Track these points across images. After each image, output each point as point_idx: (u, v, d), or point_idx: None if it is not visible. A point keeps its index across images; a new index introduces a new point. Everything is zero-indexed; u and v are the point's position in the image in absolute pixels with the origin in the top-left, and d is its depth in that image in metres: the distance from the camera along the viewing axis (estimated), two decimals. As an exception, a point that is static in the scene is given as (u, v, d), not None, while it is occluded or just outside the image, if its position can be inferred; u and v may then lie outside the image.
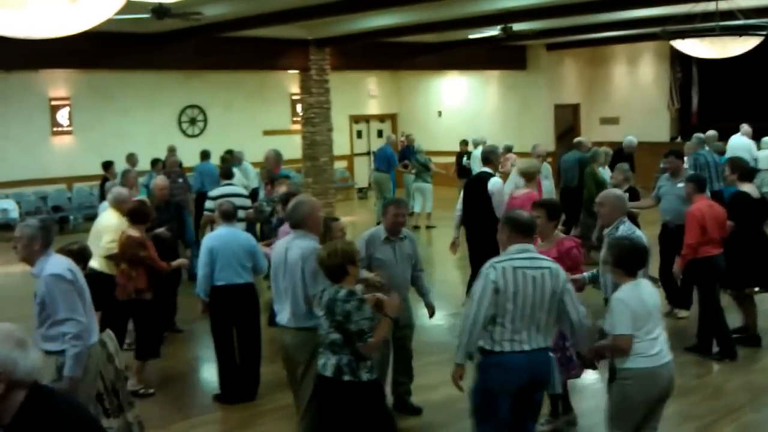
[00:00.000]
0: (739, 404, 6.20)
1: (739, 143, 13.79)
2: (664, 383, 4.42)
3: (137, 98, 17.47)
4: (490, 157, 8.56)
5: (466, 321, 4.37)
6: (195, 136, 18.21)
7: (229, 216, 6.68)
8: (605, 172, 10.86)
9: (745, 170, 7.97)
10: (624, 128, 19.80)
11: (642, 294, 4.41)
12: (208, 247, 6.51)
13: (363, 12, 13.19)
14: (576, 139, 13.38)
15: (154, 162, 13.58)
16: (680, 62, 19.11)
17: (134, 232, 6.69)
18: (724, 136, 13.95)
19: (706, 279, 7.23)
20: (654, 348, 4.35)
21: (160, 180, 9.11)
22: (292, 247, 5.11)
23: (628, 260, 4.48)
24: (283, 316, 5.14)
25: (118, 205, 7.31)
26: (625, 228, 5.33)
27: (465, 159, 16.27)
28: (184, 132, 18.27)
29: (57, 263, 4.70)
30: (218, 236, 6.60)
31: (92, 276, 5.96)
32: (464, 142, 16.67)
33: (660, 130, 19.69)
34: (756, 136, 14.15)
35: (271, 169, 10.35)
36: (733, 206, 7.48)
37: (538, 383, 4.53)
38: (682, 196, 7.69)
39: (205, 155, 13.53)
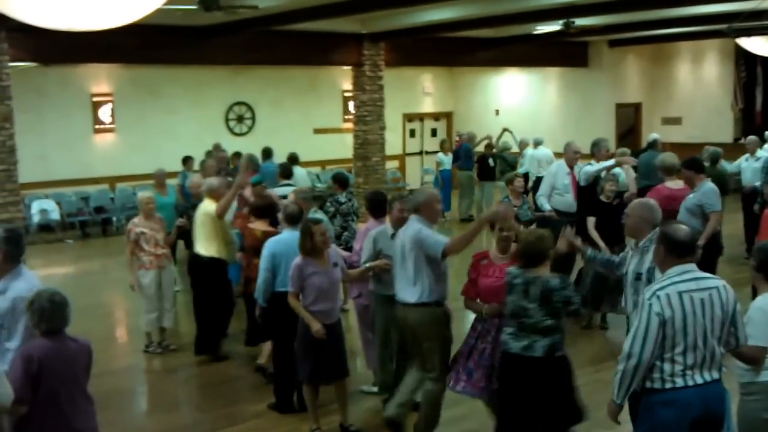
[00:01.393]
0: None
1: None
2: None
3: (182, 95, 17.48)
4: (593, 149, 9.89)
5: (629, 361, 4.01)
6: (243, 135, 18.35)
7: (294, 219, 6.55)
8: None
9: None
10: (686, 128, 19.54)
11: None
12: (271, 252, 6.42)
13: (419, 5, 13.22)
14: (651, 137, 13.21)
15: (186, 160, 13.69)
16: (745, 61, 18.75)
17: (264, 227, 7.15)
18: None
19: None
20: None
21: (196, 178, 9.25)
22: (408, 227, 5.73)
23: None
24: (406, 295, 5.65)
25: (212, 193, 7.89)
26: None
27: (490, 160, 16.13)
28: (231, 130, 18.35)
29: (27, 284, 4.53)
30: (282, 240, 6.48)
31: (206, 261, 7.45)
32: (489, 145, 16.50)
33: (723, 130, 19.31)
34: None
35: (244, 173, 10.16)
36: None
37: (713, 420, 4.11)
38: (690, 209, 7.70)
39: (266, 154, 13.26)
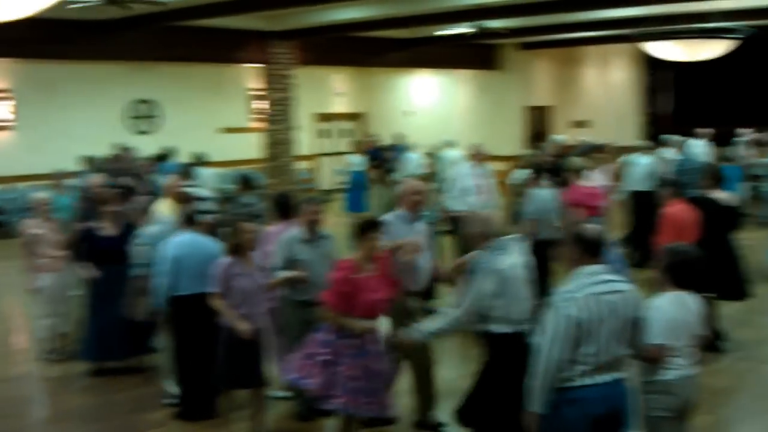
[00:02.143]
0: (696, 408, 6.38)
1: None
2: (685, 396, 4.48)
3: (84, 92, 17.02)
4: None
5: (539, 364, 4.11)
6: (146, 133, 18.06)
7: (193, 221, 6.51)
8: None
9: (717, 176, 8.23)
10: (596, 132, 20.14)
11: (683, 305, 4.45)
12: (172, 255, 6.32)
13: (329, 4, 13.24)
14: (555, 139, 13.65)
15: (88, 160, 13.46)
16: (652, 66, 19.49)
17: None
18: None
19: None
20: (680, 360, 4.42)
21: (97, 178, 9.06)
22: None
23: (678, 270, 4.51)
24: None
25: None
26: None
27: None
28: (134, 129, 18.07)
29: None
30: (183, 243, 6.39)
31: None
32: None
33: (631, 134, 20.03)
34: (725, 141, 14.56)
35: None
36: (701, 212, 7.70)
37: (616, 418, 4.23)
38: None
39: (167, 154, 13.20)
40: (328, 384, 5.19)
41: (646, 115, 20.33)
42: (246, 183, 9.15)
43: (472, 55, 19.77)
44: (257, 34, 15.93)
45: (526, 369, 4.33)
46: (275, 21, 15.46)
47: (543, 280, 5.49)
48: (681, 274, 4.50)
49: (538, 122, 21.55)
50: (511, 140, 20.26)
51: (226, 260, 5.85)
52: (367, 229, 5.28)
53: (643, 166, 11.42)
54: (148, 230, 6.99)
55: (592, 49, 20.62)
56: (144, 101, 18.18)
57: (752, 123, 16.41)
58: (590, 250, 4.18)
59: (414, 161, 16.02)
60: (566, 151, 13.13)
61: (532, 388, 4.15)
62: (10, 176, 16.16)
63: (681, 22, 10.99)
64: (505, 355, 4.88)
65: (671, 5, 11.38)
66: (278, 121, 16.71)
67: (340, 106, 22.47)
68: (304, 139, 20.30)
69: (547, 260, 7.37)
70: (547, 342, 4.07)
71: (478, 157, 10.79)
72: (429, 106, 22.08)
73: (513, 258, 4.93)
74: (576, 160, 9.40)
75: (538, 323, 4.79)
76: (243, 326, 5.72)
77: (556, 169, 10.05)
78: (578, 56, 21.14)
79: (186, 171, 10.46)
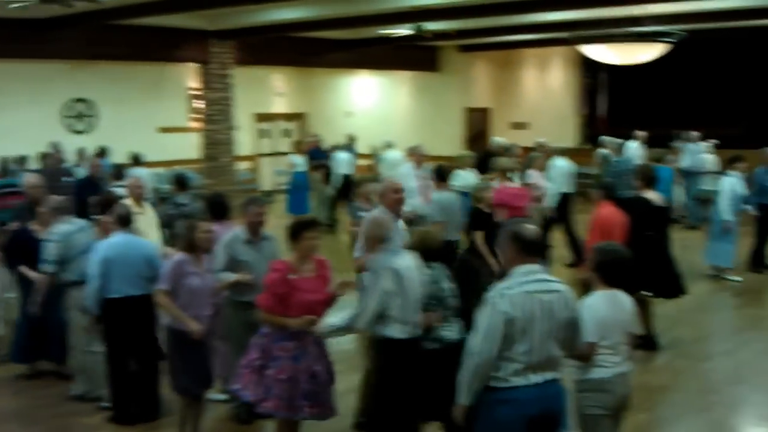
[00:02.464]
0: (630, 405, 6.48)
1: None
2: (619, 393, 4.53)
3: (19, 91, 16.53)
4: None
5: (471, 359, 4.10)
6: (83, 133, 17.68)
7: (126, 221, 6.37)
8: None
9: (650, 177, 8.38)
10: (534, 133, 20.34)
11: (615, 303, 4.50)
12: (103, 257, 6.17)
13: (268, 4, 13.15)
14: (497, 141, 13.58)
15: (21, 159, 13.22)
16: (589, 68, 19.79)
17: None
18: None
19: None
20: (613, 359, 4.46)
21: (32, 177, 8.77)
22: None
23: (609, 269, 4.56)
24: None
25: None
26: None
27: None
28: (70, 128, 17.70)
29: None
30: (115, 244, 6.25)
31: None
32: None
33: (568, 136, 20.31)
34: (660, 143, 14.85)
35: None
36: (632, 212, 7.84)
37: (551, 419, 4.21)
38: None
39: (101, 153, 12.93)
40: (260, 388, 5.12)
41: (582, 117, 20.63)
42: (181, 183, 9.01)
43: (413, 56, 19.83)
44: (196, 34, 15.74)
45: (420, 376, 4.34)
46: (214, 20, 15.31)
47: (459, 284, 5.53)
48: (611, 272, 4.55)
49: (478, 124, 21.74)
50: (451, 141, 20.38)
51: (179, 257, 5.72)
52: (301, 229, 5.21)
53: (560, 168, 11.54)
54: (60, 228, 6.87)
55: (530, 52, 20.85)
56: (81, 100, 17.81)
57: (684, 126, 16.79)
58: (527, 249, 4.16)
59: (345, 161, 15.96)
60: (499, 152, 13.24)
61: (462, 382, 4.14)
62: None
63: (616, 25, 11.16)
64: (399, 361, 4.94)
65: (607, 9, 11.56)
66: (217, 121, 16.52)
67: (280, 106, 22.32)
68: (245, 140, 20.13)
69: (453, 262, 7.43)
70: (480, 337, 4.06)
71: (417, 158, 10.82)
72: (369, 107, 22.09)
73: (407, 260, 5.03)
74: (503, 161, 9.49)
75: (437, 329, 4.97)
76: (194, 326, 5.60)
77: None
78: (517, 59, 21.37)
79: (117, 171, 10.24)
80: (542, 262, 5.62)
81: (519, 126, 21.31)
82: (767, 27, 15.57)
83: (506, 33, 17.09)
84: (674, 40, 11.02)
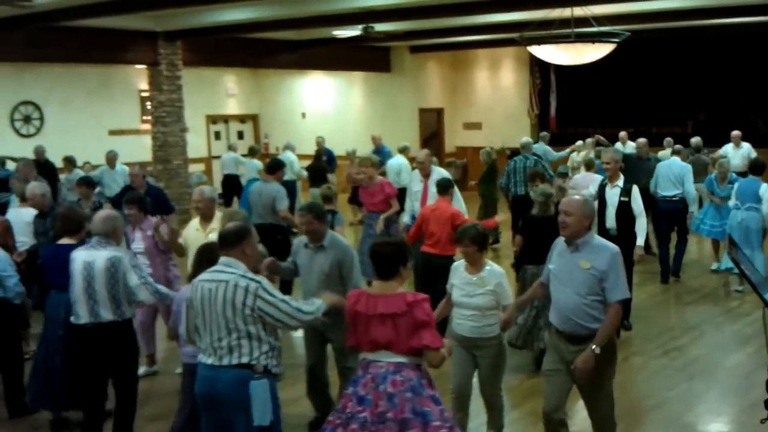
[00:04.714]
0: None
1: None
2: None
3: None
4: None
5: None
6: (30, 136, 17.13)
7: None
8: None
9: (544, 177, 8.65)
10: (486, 133, 20.32)
11: None
12: None
13: (216, 4, 12.86)
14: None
15: None
16: (539, 68, 19.79)
17: None
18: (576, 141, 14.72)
19: None
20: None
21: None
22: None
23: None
24: None
25: None
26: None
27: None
28: (17, 131, 17.14)
29: None
30: None
31: None
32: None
33: (521, 135, 20.19)
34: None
35: None
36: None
37: (215, 401, 4.25)
38: None
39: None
40: None
41: (533, 117, 20.59)
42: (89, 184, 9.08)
43: (365, 57, 19.64)
44: (144, 35, 15.37)
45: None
46: (162, 21, 14.96)
47: None
48: None
49: (432, 124, 21.59)
50: (406, 141, 20.15)
51: None
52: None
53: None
54: None
55: (482, 52, 20.78)
56: (27, 103, 17.27)
57: (629, 124, 16.85)
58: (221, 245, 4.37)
59: (293, 162, 15.66)
60: None
61: None
62: None
63: (563, 26, 11.08)
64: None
65: (554, 10, 11.48)
66: (168, 123, 16.13)
67: (233, 107, 21.94)
68: (198, 142, 19.74)
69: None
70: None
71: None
72: (323, 108, 21.79)
73: None
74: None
75: None
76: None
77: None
78: (469, 59, 21.27)
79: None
80: None
81: (472, 126, 21.24)
82: (711, 26, 15.70)
83: (457, 34, 17.00)
84: (619, 41, 10.93)
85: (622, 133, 15.22)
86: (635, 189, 8.01)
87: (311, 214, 5.63)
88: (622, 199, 7.99)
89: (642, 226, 7.95)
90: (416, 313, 4.14)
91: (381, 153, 15.73)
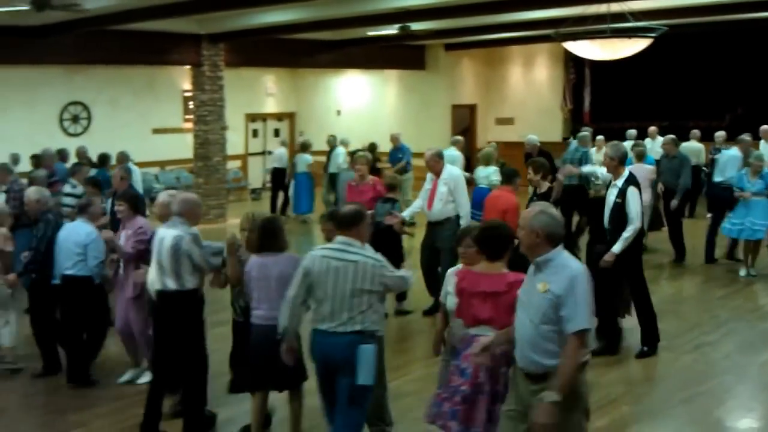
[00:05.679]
0: (614, 397, 6.44)
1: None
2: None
3: (14, 95, 16.46)
4: None
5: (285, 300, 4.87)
6: (78, 135, 17.53)
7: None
8: None
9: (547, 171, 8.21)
10: (519, 128, 20.30)
11: None
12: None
13: (257, 7, 13.08)
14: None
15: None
16: (573, 64, 19.73)
17: None
18: (616, 136, 14.61)
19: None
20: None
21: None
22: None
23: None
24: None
25: None
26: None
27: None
28: (66, 131, 17.55)
29: None
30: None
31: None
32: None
33: (553, 130, 20.24)
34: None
35: None
36: None
37: (330, 363, 4.73)
38: None
39: (102, 161, 12.44)
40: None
41: (567, 112, 20.56)
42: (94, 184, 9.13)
43: (400, 55, 19.71)
44: (188, 37, 15.64)
45: None
46: (205, 24, 15.20)
47: None
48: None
49: (464, 120, 21.66)
50: (438, 138, 20.26)
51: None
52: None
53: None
54: None
55: (515, 49, 20.76)
56: (76, 103, 17.68)
57: (665, 118, 16.76)
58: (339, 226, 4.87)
59: (339, 155, 15.85)
60: None
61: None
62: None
63: (599, 22, 11.10)
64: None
65: (589, 6, 11.51)
66: (209, 122, 16.43)
67: (271, 106, 22.20)
68: (236, 139, 20.04)
69: None
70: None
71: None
72: (358, 106, 21.95)
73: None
74: None
75: None
76: None
77: None
78: (503, 56, 21.27)
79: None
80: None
81: (504, 121, 21.26)
82: (747, 20, 15.53)
83: (491, 31, 16.97)
84: (655, 35, 10.92)
85: (652, 128, 15.15)
86: (631, 191, 7.07)
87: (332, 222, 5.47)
88: (617, 200, 7.14)
89: (627, 233, 7.04)
90: (516, 293, 4.23)
91: (401, 151, 15.85)
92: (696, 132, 15.15)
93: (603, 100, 19.62)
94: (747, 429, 6.11)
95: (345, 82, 22.18)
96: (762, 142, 14.16)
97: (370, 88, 21.90)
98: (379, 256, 4.80)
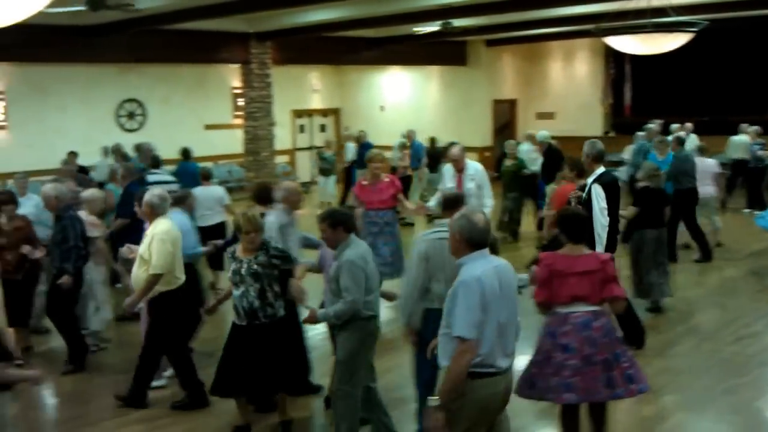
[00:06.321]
0: (658, 387, 6.41)
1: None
2: None
3: (73, 92, 16.88)
4: None
5: (406, 287, 4.96)
6: (134, 131, 17.89)
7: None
8: None
9: (582, 169, 7.58)
10: (559, 123, 20.19)
11: None
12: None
13: (303, 6, 13.20)
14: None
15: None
16: (614, 58, 19.54)
17: None
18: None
19: None
20: None
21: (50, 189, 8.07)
22: None
23: None
24: None
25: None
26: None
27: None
28: (122, 126, 17.92)
29: None
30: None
31: None
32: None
33: (593, 124, 20.09)
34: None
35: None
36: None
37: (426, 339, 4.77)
38: None
39: (185, 154, 12.16)
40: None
41: (607, 106, 20.39)
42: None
43: (441, 52, 19.71)
44: (237, 36, 15.86)
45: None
46: (254, 23, 15.39)
47: None
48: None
49: (505, 115, 21.59)
50: (479, 132, 20.30)
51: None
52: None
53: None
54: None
55: (556, 44, 20.63)
56: (131, 100, 18.03)
57: (705, 113, 16.52)
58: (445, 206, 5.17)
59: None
60: None
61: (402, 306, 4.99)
62: (2, 173, 15.96)
63: (639, 16, 11.00)
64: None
65: (629, 1, 11.41)
66: (258, 118, 16.64)
67: (316, 102, 22.36)
68: (283, 135, 20.23)
69: None
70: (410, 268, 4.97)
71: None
72: (400, 101, 22.01)
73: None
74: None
75: None
76: None
77: None
78: (542, 51, 21.15)
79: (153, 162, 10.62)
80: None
81: (545, 116, 21.13)
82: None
83: (531, 27, 16.91)
84: (697, 30, 10.79)
85: (688, 125, 14.91)
86: (594, 188, 6.54)
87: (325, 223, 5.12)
88: (584, 197, 6.70)
89: (602, 233, 6.47)
90: (608, 270, 4.80)
91: (413, 147, 15.73)
92: (744, 126, 14.87)
93: (643, 95, 19.42)
94: (787, 418, 6.06)
95: (388, 79, 22.26)
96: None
97: (413, 84, 21.94)
98: None
